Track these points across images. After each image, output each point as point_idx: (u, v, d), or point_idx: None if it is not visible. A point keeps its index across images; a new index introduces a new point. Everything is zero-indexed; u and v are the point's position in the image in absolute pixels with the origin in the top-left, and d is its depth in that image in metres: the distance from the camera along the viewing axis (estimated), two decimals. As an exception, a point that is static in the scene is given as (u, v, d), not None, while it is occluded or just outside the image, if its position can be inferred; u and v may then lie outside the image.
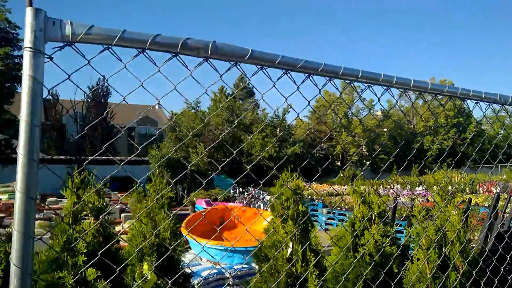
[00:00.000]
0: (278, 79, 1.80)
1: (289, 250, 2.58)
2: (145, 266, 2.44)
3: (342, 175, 20.24)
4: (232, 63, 1.60)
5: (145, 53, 1.40)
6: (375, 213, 3.20)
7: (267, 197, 14.75)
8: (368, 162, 25.87)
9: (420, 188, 15.37)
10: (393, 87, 2.17)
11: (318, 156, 24.18)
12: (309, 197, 13.34)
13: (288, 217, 2.74)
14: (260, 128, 20.20)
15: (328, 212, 12.40)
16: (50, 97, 32.71)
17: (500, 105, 2.76)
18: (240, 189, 17.31)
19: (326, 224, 12.28)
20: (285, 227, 2.72)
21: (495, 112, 2.78)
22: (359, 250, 3.15)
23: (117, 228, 9.82)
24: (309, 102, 1.98)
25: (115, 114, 33.41)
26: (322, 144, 25.04)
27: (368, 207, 3.30)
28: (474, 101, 2.76)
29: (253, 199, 15.65)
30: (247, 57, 1.57)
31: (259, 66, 1.66)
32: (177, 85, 1.54)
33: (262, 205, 14.08)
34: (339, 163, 25.08)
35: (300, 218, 2.76)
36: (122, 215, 11.31)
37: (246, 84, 39.79)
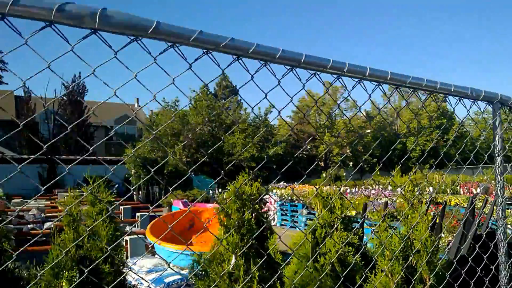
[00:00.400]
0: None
1: (231, 264, 2.27)
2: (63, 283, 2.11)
3: (324, 175, 20.06)
4: (133, 37, 1.26)
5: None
6: (338, 219, 2.92)
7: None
8: (351, 163, 25.79)
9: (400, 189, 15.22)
10: (366, 79, 1.89)
11: (301, 157, 23.99)
12: (289, 198, 13.10)
13: (231, 226, 2.42)
14: (241, 127, 19.89)
15: (308, 213, 12.15)
16: (23, 93, 31.74)
17: (471, 100, 2.50)
18: (220, 190, 16.98)
19: (306, 225, 12.04)
20: (228, 238, 2.40)
21: (480, 112, 2.53)
22: (320, 260, 2.86)
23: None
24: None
25: (91, 113, 32.71)
26: (306, 145, 24.88)
27: (330, 212, 3.01)
28: (443, 95, 2.50)
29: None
30: (150, 31, 1.24)
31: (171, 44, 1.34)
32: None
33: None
34: (322, 164, 24.95)
35: (247, 227, 2.44)
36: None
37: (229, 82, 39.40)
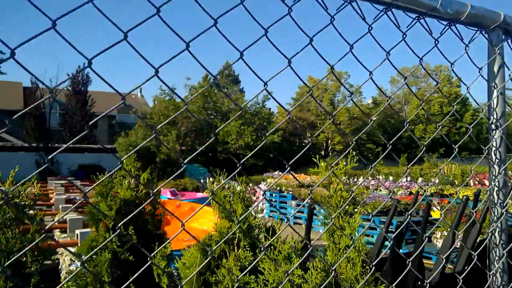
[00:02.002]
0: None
1: None
2: None
3: (322, 165, 18.87)
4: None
5: None
6: (237, 229, 1.86)
7: (238, 188, 13.53)
8: (354, 152, 24.50)
9: (405, 179, 14.08)
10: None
11: (299, 145, 22.80)
12: (278, 188, 12.06)
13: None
14: (236, 114, 18.86)
15: (298, 205, 11.13)
16: (30, 84, 31.55)
17: (446, 22, 1.42)
18: (211, 179, 16.03)
19: (296, 218, 11.06)
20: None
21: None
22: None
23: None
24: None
25: (95, 102, 32.37)
26: (307, 133, 23.74)
27: (229, 221, 1.96)
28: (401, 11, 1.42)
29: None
30: None
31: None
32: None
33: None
34: (322, 152, 23.71)
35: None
36: (61, 206, 9.79)
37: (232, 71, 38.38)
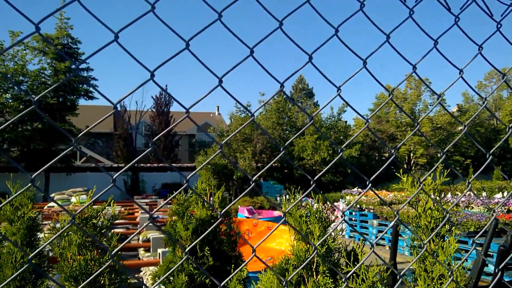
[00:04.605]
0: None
1: None
2: None
3: (405, 180, 17.78)
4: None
5: None
6: (314, 255, 1.72)
7: (316, 205, 13.18)
8: (440, 166, 22.80)
9: (500, 195, 12.74)
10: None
11: (379, 159, 21.69)
12: (358, 206, 11.51)
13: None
14: (312, 129, 18.61)
15: (380, 225, 10.51)
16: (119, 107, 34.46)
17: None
18: (287, 196, 15.90)
19: (377, 237, 10.42)
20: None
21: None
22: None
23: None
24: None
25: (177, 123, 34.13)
26: (386, 146, 22.65)
27: (306, 244, 1.81)
28: None
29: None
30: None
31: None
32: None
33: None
34: (404, 166, 22.28)
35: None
36: (145, 224, 10.30)
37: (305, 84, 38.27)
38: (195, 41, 0.96)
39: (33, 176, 0.86)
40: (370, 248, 1.28)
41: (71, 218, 0.86)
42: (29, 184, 0.86)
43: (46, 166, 0.96)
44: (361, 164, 18.79)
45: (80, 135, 1.04)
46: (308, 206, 2.44)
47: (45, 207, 13.46)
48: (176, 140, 35.31)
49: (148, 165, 27.72)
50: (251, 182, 1.16)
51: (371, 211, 11.06)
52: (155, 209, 1.21)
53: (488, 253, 4.71)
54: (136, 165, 28.92)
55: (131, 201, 20.12)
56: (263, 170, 1.30)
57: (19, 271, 0.82)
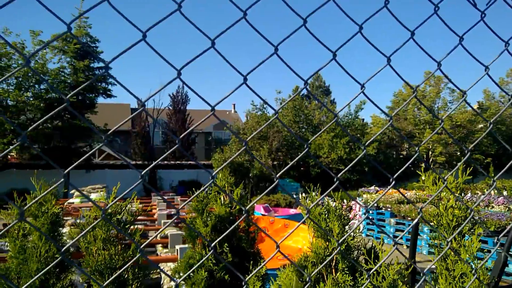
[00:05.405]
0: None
1: None
2: None
3: (425, 178, 17.53)
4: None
5: None
6: (336, 252, 1.71)
7: (332, 204, 13.14)
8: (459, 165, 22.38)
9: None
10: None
11: (397, 157, 21.46)
12: (375, 205, 11.42)
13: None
14: (332, 121, 18.50)
15: (397, 223, 10.40)
16: (136, 105, 34.86)
17: None
18: (304, 194, 15.88)
19: (395, 237, 10.31)
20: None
21: None
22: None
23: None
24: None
25: (193, 120, 34.27)
26: (404, 144, 22.37)
27: (325, 241, 1.82)
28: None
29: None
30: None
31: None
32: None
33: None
34: (422, 165, 21.98)
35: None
36: (162, 221, 10.39)
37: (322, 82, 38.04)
38: (218, 41, 0.97)
39: (65, 171, 0.89)
40: (393, 245, 1.28)
41: (102, 213, 0.89)
42: (61, 180, 0.89)
43: (79, 160, 1.00)
44: (378, 163, 18.59)
45: (110, 131, 1.07)
46: (327, 204, 2.45)
47: (66, 203, 13.75)
48: (192, 137, 35.60)
49: (166, 162, 27.99)
50: (274, 179, 1.17)
51: (388, 209, 10.96)
52: (179, 206, 1.23)
53: (510, 253, 4.62)
54: (153, 162, 29.20)
55: (148, 198, 20.37)
56: (287, 167, 1.31)
57: (50, 265, 0.85)
